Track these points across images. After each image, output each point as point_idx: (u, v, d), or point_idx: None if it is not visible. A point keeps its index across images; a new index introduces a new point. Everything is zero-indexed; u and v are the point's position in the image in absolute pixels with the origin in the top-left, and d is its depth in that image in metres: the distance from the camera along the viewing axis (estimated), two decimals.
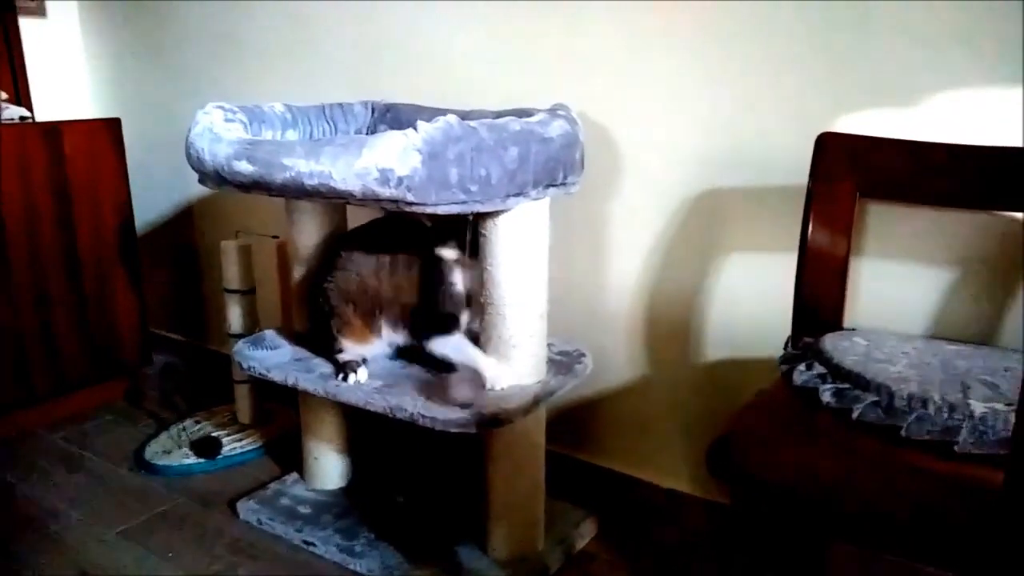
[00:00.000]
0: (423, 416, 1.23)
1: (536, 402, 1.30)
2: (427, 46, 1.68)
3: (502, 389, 1.28)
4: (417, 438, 1.29)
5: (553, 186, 1.29)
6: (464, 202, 1.16)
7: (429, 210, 1.14)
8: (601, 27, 1.45)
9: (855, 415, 0.92)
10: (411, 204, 1.13)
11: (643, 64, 1.43)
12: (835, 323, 1.20)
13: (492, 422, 1.23)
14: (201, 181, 1.36)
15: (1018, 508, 0.64)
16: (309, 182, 1.16)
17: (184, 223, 2.29)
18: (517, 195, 1.22)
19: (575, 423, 1.66)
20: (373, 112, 1.63)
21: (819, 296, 1.21)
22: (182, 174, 1.36)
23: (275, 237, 1.88)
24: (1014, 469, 0.65)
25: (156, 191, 2.28)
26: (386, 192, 1.11)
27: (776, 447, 0.91)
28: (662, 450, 1.57)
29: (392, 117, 1.60)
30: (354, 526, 1.50)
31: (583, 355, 1.45)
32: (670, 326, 1.51)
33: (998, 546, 0.66)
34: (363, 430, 1.66)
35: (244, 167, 1.23)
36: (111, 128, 2.02)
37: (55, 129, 1.92)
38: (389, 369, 1.42)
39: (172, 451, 1.83)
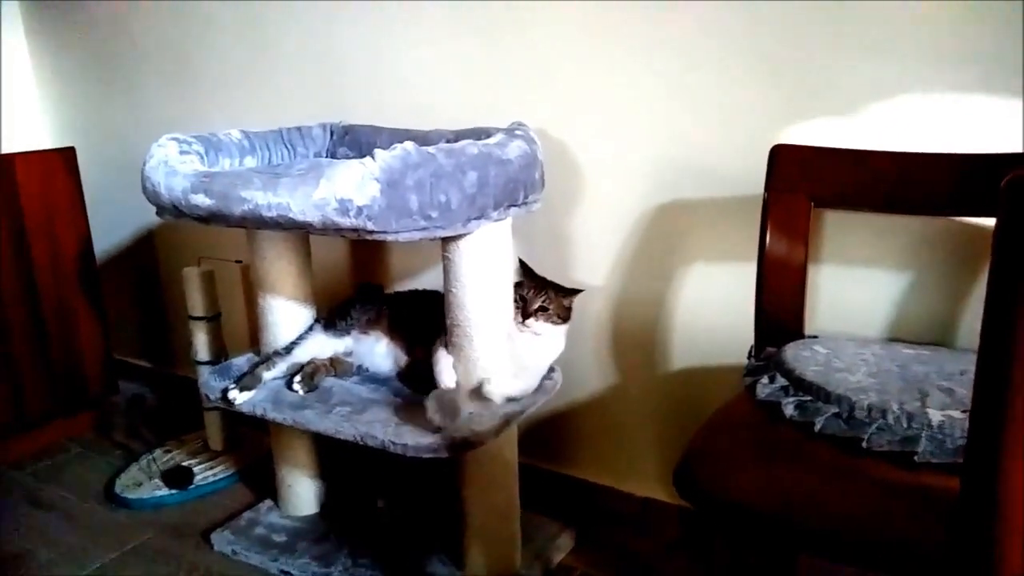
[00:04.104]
0: (394, 443, 1.23)
1: (507, 422, 1.30)
2: (385, 67, 1.67)
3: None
4: (391, 458, 1.29)
5: (514, 206, 1.29)
6: (425, 228, 1.16)
7: (390, 238, 1.14)
8: (558, 45, 1.46)
9: (817, 428, 0.93)
10: (372, 233, 1.13)
11: (600, 80, 1.43)
12: (796, 330, 1.22)
13: (463, 446, 1.23)
14: (159, 214, 1.35)
15: (972, 516, 0.65)
16: (268, 214, 1.15)
17: (145, 249, 2.26)
18: (478, 218, 1.22)
19: (548, 436, 1.66)
20: (332, 135, 1.62)
21: (780, 304, 1.22)
22: (141, 200, 1.35)
23: (238, 262, 1.87)
24: (968, 477, 0.66)
25: (115, 218, 2.25)
26: (346, 222, 1.11)
27: (740, 466, 0.92)
28: (636, 459, 1.59)
29: (351, 139, 1.59)
30: (331, 552, 1.50)
31: (553, 370, 1.45)
32: (638, 337, 1.52)
33: (955, 555, 0.68)
34: (336, 453, 1.65)
35: (201, 200, 1.22)
36: (65, 157, 1.98)
37: (7, 160, 1.88)
38: (357, 395, 1.41)
39: (143, 483, 1.81)
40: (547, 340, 1.38)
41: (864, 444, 0.89)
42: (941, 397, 0.93)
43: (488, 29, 1.53)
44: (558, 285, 1.40)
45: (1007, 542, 0.59)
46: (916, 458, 0.86)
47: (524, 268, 1.41)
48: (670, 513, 1.54)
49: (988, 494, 0.62)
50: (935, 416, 0.89)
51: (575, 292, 1.40)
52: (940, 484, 0.82)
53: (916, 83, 1.18)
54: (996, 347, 0.58)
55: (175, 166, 1.27)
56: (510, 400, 1.33)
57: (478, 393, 1.31)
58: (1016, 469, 0.57)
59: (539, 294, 1.36)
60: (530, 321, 1.35)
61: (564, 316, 1.39)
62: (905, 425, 0.89)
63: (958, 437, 0.86)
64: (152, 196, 1.31)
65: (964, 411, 0.89)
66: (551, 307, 1.36)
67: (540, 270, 1.43)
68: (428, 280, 1.69)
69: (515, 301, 1.36)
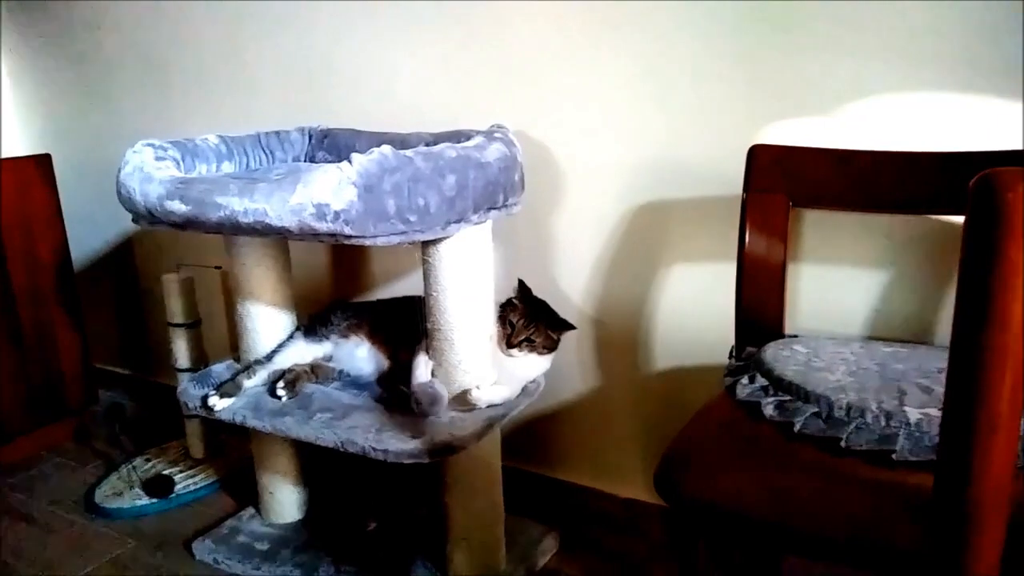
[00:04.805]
0: (374, 449, 1.22)
1: (489, 425, 1.30)
2: (364, 69, 1.66)
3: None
4: (374, 463, 1.29)
5: (494, 209, 1.29)
6: (404, 232, 1.15)
7: (368, 242, 1.13)
8: (537, 47, 1.46)
9: (797, 428, 0.93)
10: (350, 237, 1.12)
11: (580, 82, 1.43)
12: (776, 330, 1.22)
13: (444, 450, 1.22)
14: (135, 220, 1.33)
15: (946, 513, 0.65)
16: (244, 220, 1.14)
17: (124, 256, 2.24)
18: (457, 221, 1.21)
19: (531, 438, 1.66)
20: (311, 139, 1.61)
21: (760, 304, 1.23)
22: (119, 207, 1.33)
23: (218, 268, 1.85)
24: (941, 474, 0.67)
25: (93, 224, 2.22)
26: (323, 227, 1.10)
27: (720, 468, 0.92)
28: (619, 461, 1.59)
29: (330, 143, 1.59)
30: (314, 559, 1.48)
31: None
32: (620, 338, 1.52)
33: (931, 552, 0.68)
34: (318, 458, 1.64)
35: (177, 207, 1.21)
36: (41, 165, 1.96)
37: None
38: (338, 400, 1.40)
39: (123, 492, 1.79)
40: (533, 360, 1.37)
41: (843, 443, 0.89)
42: (919, 395, 0.94)
43: (467, 31, 1.52)
44: (551, 316, 1.37)
45: (979, 538, 0.59)
46: (894, 456, 0.86)
47: (523, 290, 1.39)
48: (654, 514, 1.54)
49: (960, 491, 0.62)
50: (913, 414, 0.89)
51: (567, 328, 1.38)
52: (918, 482, 0.82)
53: (893, 82, 1.19)
54: (967, 343, 0.58)
55: (150, 172, 1.26)
56: (493, 405, 1.33)
57: (463, 399, 1.31)
58: (987, 466, 0.57)
59: (528, 326, 1.34)
60: (514, 351, 1.34)
61: (550, 347, 1.37)
62: (883, 424, 0.90)
63: (935, 435, 0.87)
64: (127, 203, 1.29)
65: (942, 409, 0.89)
66: (537, 340, 1.34)
67: (523, 272, 1.43)
68: (409, 284, 1.69)
69: (504, 324, 1.35)
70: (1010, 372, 0.53)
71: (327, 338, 1.49)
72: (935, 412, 0.89)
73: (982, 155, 1.11)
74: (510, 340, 1.34)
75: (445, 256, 1.26)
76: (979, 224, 0.51)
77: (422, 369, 1.32)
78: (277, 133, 1.58)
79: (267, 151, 1.56)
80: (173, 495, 1.77)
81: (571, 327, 1.38)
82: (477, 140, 1.29)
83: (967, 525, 0.60)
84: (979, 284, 0.52)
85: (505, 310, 1.36)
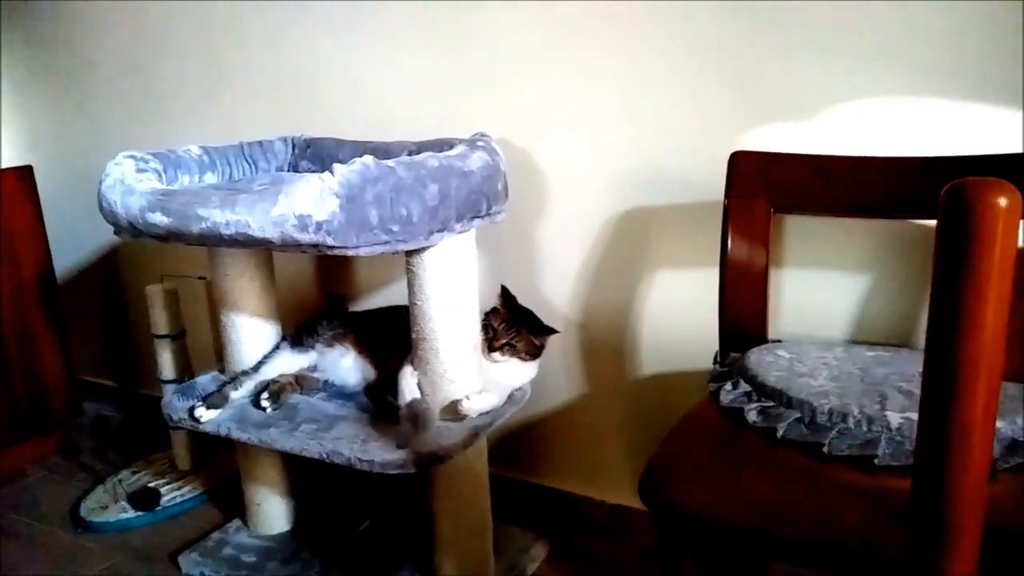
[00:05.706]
0: (360, 460, 1.22)
1: (475, 434, 1.30)
2: (347, 78, 1.66)
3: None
4: (360, 473, 1.29)
5: (477, 218, 1.29)
6: (387, 242, 1.15)
7: (351, 253, 1.13)
8: (520, 55, 1.46)
9: (780, 434, 0.94)
10: (332, 248, 1.12)
11: (562, 90, 1.44)
12: (760, 335, 1.23)
13: (431, 460, 1.22)
14: (117, 232, 1.33)
15: (924, 516, 0.66)
16: (226, 232, 1.14)
17: (108, 267, 2.23)
18: (440, 231, 1.21)
19: (519, 445, 1.66)
20: (294, 148, 1.61)
21: (743, 310, 1.23)
22: (102, 218, 1.32)
23: (202, 278, 1.84)
24: (918, 477, 0.67)
25: (77, 236, 2.21)
26: (305, 238, 1.10)
27: (703, 475, 0.93)
28: (607, 467, 1.59)
29: (313, 153, 1.58)
30: (301, 571, 1.48)
31: None
32: (606, 344, 1.52)
33: (911, 556, 0.68)
34: (305, 469, 1.63)
35: (158, 219, 1.20)
36: (23, 176, 1.95)
37: None
38: (324, 411, 1.40)
39: (109, 506, 1.77)
40: (517, 366, 1.37)
41: (825, 449, 0.89)
42: (900, 399, 0.94)
43: (450, 40, 1.52)
44: (534, 321, 1.37)
45: (956, 541, 0.60)
46: (876, 461, 0.86)
47: (506, 296, 1.39)
48: (643, 520, 1.54)
49: (937, 495, 0.63)
50: (894, 419, 0.90)
51: (549, 332, 1.37)
52: (900, 486, 0.83)
53: (874, 87, 1.20)
54: (941, 350, 0.59)
55: (132, 184, 1.25)
56: (483, 414, 1.33)
57: (452, 409, 1.31)
58: (962, 470, 0.58)
59: (509, 331, 1.34)
60: (496, 355, 1.33)
61: (533, 353, 1.36)
62: (865, 429, 0.90)
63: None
64: (109, 215, 1.29)
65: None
66: (519, 344, 1.34)
67: (508, 279, 1.43)
68: (395, 293, 1.68)
69: (486, 329, 1.35)
70: (983, 377, 0.54)
71: (312, 348, 1.48)
72: (916, 416, 0.89)
73: (962, 160, 1.12)
74: (492, 343, 1.33)
75: (429, 265, 1.26)
76: (951, 232, 0.52)
77: (408, 382, 1.32)
78: (260, 143, 1.58)
79: (250, 161, 1.55)
80: (159, 508, 1.75)
81: (553, 331, 1.38)
82: (460, 149, 1.29)
83: (944, 528, 0.60)
84: (951, 292, 0.53)
85: (489, 317, 1.36)
